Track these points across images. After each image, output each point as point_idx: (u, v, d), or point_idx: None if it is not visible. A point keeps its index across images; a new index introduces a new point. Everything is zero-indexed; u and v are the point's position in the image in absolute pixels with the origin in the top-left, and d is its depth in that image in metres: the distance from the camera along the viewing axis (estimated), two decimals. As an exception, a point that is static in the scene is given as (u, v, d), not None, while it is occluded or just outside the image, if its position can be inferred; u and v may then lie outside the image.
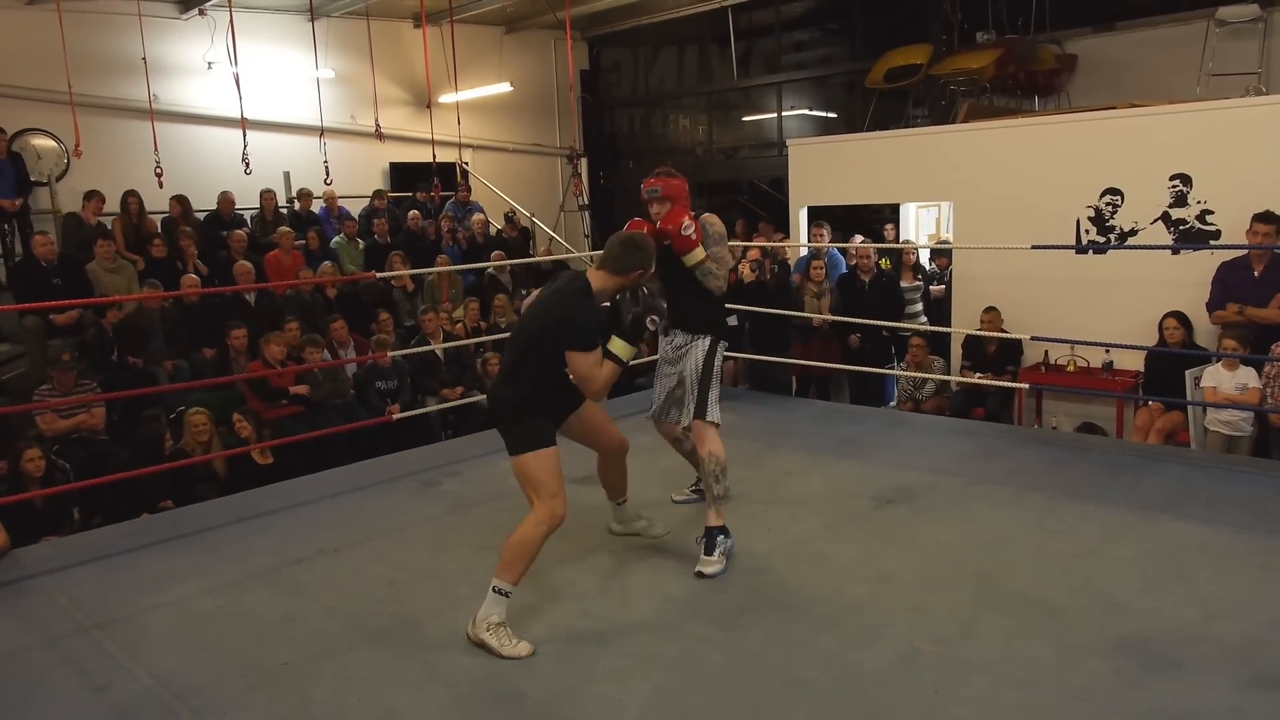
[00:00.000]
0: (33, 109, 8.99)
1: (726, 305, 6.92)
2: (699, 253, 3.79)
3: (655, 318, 3.22)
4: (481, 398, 7.16)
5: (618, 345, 3.13)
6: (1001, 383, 6.33)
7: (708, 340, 3.89)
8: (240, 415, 6.12)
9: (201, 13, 9.86)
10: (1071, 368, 6.48)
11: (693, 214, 3.85)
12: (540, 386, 3.19)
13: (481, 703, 2.77)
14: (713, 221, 3.92)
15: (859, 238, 9.34)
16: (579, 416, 3.43)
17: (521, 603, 3.37)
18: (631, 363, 3.23)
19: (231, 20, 7.85)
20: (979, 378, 6.60)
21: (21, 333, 7.18)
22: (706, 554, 3.64)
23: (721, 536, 3.67)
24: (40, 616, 3.44)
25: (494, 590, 3.01)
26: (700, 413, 3.81)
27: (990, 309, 6.76)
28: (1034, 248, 5.60)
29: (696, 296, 3.89)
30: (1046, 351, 6.63)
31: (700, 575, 3.58)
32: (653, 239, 3.81)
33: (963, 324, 7.06)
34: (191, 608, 3.47)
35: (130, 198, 8.37)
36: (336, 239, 9.27)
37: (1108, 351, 6.29)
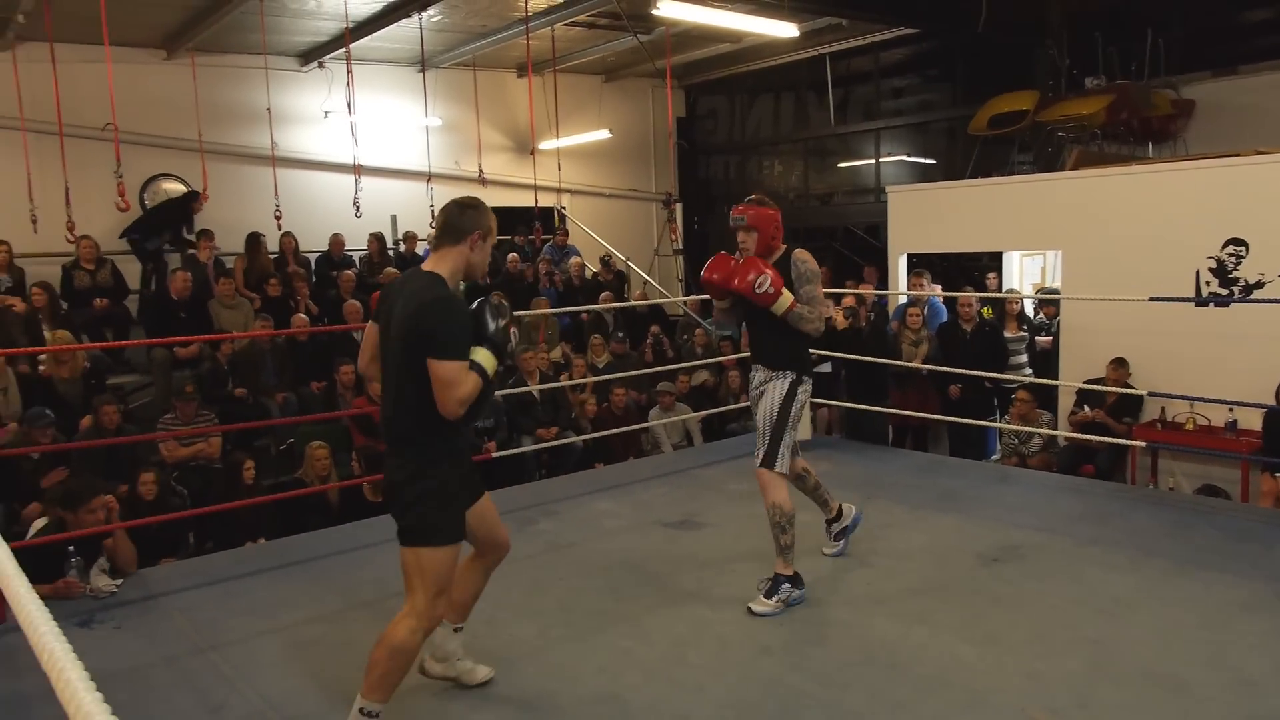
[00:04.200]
0: (166, 155, 9.62)
1: (820, 352, 6.92)
2: (784, 300, 3.59)
3: (514, 329, 2.81)
4: (577, 439, 7.25)
5: (482, 355, 2.62)
6: (1116, 440, 6.06)
7: (788, 381, 3.73)
8: (356, 454, 6.34)
9: (320, 65, 10.43)
10: (1191, 425, 6.17)
11: (770, 263, 3.64)
12: (441, 435, 2.65)
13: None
14: (804, 258, 3.71)
15: (937, 287, 9.10)
16: (476, 506, 2.87)
17: (620, 646, 3.37)
18: (493, 376, 2.69)
19: (350, 72, 8.26)
20: (1091, 411, 6.35)
21: (150, 364, 7.60)
22: (765, 596, 3.64)
23: (787, 585, 3.66)
24: (161, 636, 3.60)
25: (361, 712, 2.60)
26: (769, 462, 3.69)
27: (1118, 363, 6.45)
28: (1152, 299, 5.38)
29: (777, 333, 3.72)
30: (1163, 408, 6.34)
31: (749, 611, 3.59)
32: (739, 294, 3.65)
33: (1071, 377, 6.81)
34: (299, 634, 3.58)
35: (257, 239, 8.83)
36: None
37: (1231, 410, 5.98)
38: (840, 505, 4.30)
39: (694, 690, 3.05)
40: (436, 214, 2.73)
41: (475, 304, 2.70)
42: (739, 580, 3.96)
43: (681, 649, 3.36)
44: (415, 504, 2.64)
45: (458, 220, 2.70)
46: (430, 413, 2.58)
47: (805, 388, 3.77)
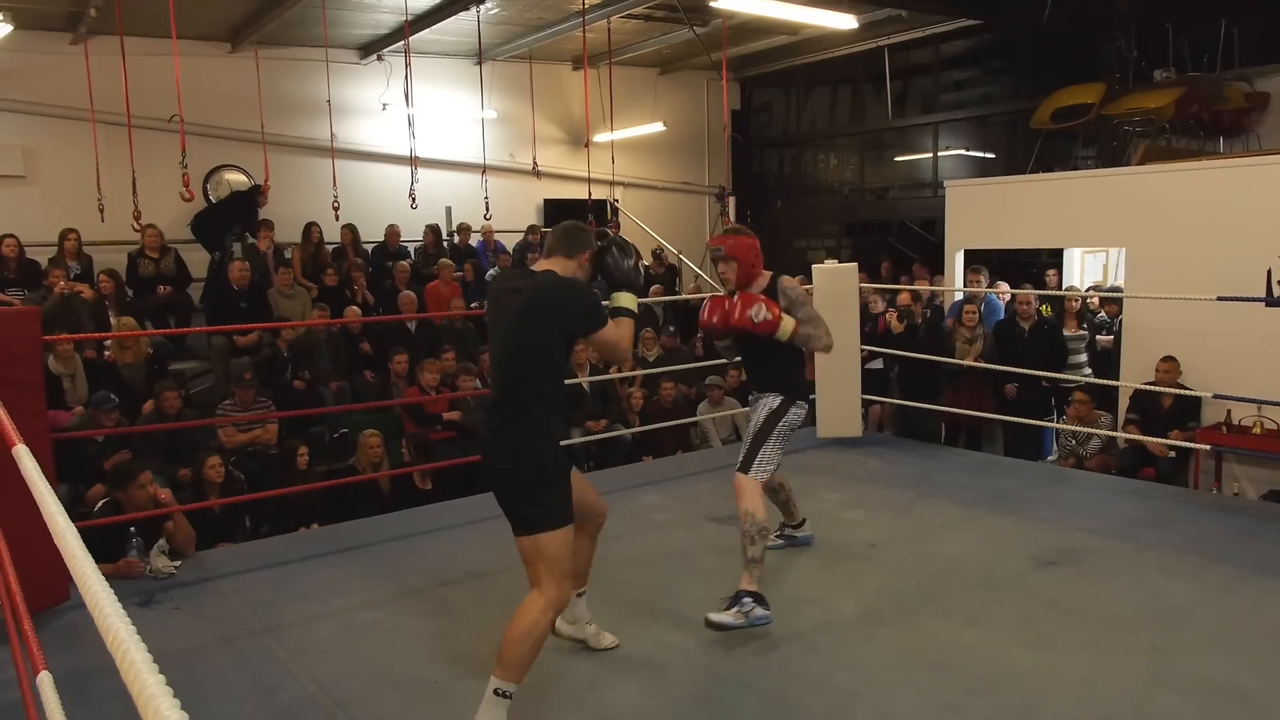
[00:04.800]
0: (229, 147, 9.82)
1: (870, 349, 6.82)
2: (787, 326, 3.57)
3: (641, 261, 3.03)
4: (626, 432, 7.26)
5: (625, 298, 2.91)
6: (1179, 442, 5.88)
7: (779, 399, 3.66)
8: (406, 442, 6.43)
9: (379, 58, 10.57)
10: (1258, 429, 5.96)
11: (762, 293, 3.62)
12: (555, 417, 2.81)
13: (624, 739, 2.77)
14: (790, 285, 3.69)
15: (1003, 285, 8.93)
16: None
17: (666, 640, 3.37)
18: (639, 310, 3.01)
19: (408, 65, 8.35)
20: (1168, 437, 6.15)
21: (210, 351, 7.79)
22: (726, 608, 3.35)
23: (750, 600, 3.35)
24: (217, 617, 3.69)
25: (495, 693, 2.63)
26: (745, 466, 3.58)
27: (1168, 359, 6.29)
28: (1220, 299, 5.22)
29: (771, 357, 3.71)
30: (1229, 411, 6.14)
31: (707, 622, 3.30)
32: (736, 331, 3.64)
33: (1132, 377, 6.63)
34: (352, 619, 3.64)
35: (313, 229, 8.99)
36: (491, 271, 9.63)
37: (1302, 414, 5.76)
38: (804, 519, 4.36)
39: (739, 687, 3.04)
40: (553, 229, 2.97)
41: (598, 250, 2.92)
42: (787, 577, 3.94)
43: (728, 644, 3.34)
44: (525, 492, 2.72)
45: (576, 236, 2.91)
46: (540, 400, 2.73)
47: (798, 410, 3.68)
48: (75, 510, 5.32)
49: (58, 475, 4.74)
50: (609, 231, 3.04)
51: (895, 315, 7.23)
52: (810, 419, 7.08)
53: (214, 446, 6.21)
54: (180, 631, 3.56)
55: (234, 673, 3.21)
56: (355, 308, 8.24)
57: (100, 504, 4.41)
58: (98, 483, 5.53)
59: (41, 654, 1.47)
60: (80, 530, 4.25)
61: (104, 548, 4.05)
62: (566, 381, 7.32)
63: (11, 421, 2.31)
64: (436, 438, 6.84)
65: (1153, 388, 6.26)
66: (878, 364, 7.51)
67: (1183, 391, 6.14)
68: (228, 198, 9.48)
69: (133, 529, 4.10)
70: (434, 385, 6.97)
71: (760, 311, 3.55)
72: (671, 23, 10.24)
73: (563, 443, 2.91)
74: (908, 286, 8.41)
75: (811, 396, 3.81)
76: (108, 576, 3.65)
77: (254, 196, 9.08)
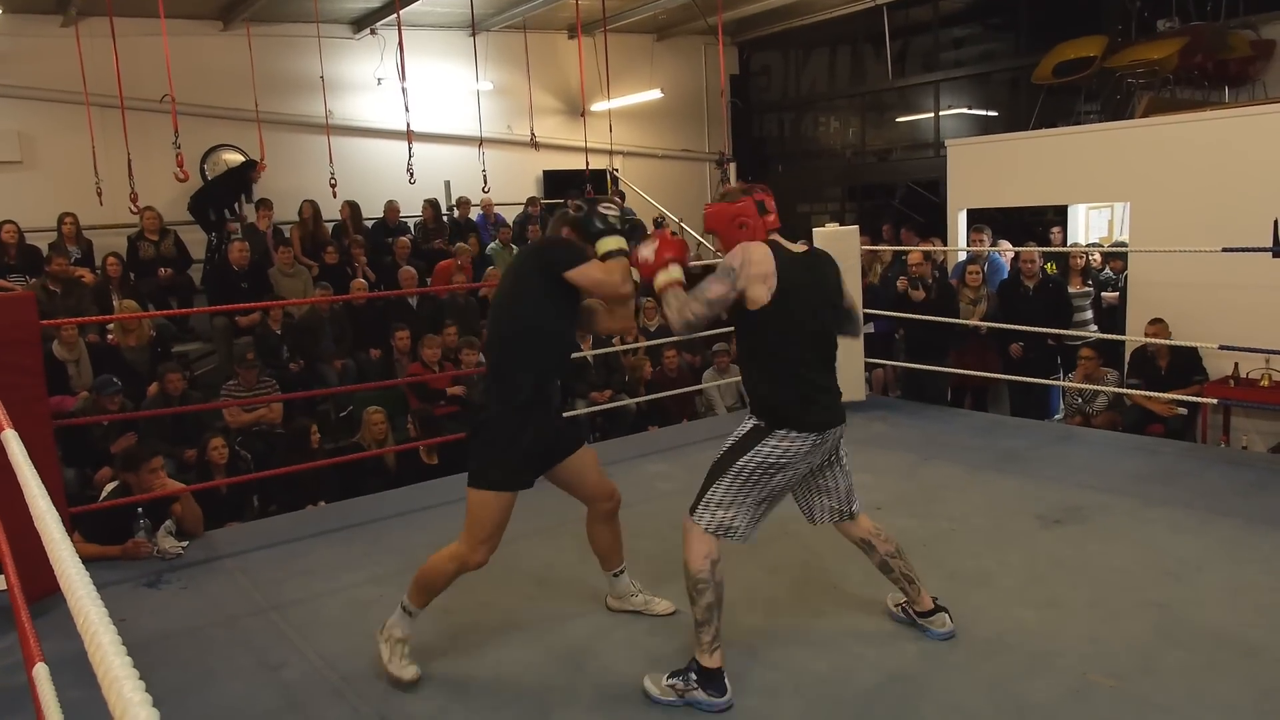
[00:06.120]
0: (225, 126, 9.76)
1: (869, 311, 6.72)
2: (663, 276, 2.80)
3: (609, 205, 2.87)
4: (630, 402, 7.26)
5: (605, 242, 2.81)
6: (1186, 397, 5.85)
7: (751, 424, 2.79)
8: (411, 417, 6.43)
9: (373, 32, 10.46)
10: (1266, 382, 5.93)
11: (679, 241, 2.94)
12: (521, 378, 2.84)
13: (630, 706, 2.78)
14: (735, 253, 2.72)
15: (1005, 243, 8.84)
16: (567, 462, 3.05)
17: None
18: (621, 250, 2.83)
19: (400, 39, 8.26)
20: (1171, 392, 6.11)
21: (212, 332, 7.79)
22: (667, 675, 2.79)
23: (695, 677, 2.72)
24: (225, 596, 3.71)
25: (402, 607, 2.93)
26: (692, 507, 2.81)
27: (1155, 321, 6.24)
28: (1225, 250, 5.16)
29: (747, 370, 2.88)
30: (1237, 364, 6.10)
31: (642, 687, 2.83)
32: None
33: (1138, 333, 6.59)
34: (357, 595, 3.66)
35: (306, 207, 8.95)
36: (492, 245, 9.60)
37: (1310, 365, 5.73)
38: (935, 602, 3.10)
39: (744, 653, 3.04)
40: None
41: (576, 220, 2.91)
42: (791, 545, 3.93)
43: (732, 611, 3.33)
44: (474, 446, 2.89)
45: (554, 221, 2.98)
46: (503, 368, 2.88)
47: (777, 444, 2.70)
48: (84, 494, 5.35)
49: (65, 459, 4.77)
50: (581, 197, 2.98)
51: (906, 282, 7.07)
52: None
53: (219, 427, 6.23)
54: (187, 610, 3.58)
55: (240, 650, 3.23)
56: (362, 281, 8.23)
57: (110, 487, 4.42)
58: (105, 465, 5.55)
59: (38, 644, 1.46)
60: (87, 513, 4.25)
61: (113, 530, 4.07)
62: (572, 355, 7.25)
63: (7, 407, 2.30)
64: (441, 412, 6.85)
65: (1159, 341, 6.21)
66: (870, 328, 7.43)
67: (1175, 343, 6.09)
68: (222, 174, 9.43)
69: (139, 510, 4.11)
70: (436, 360, 6.97)
71: (647, 247, 2.86)
72: (667, -14, 10.11)
73: (571, 414, 2.96)
74: (890, 247, 8.30)
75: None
76: (115, 558, 3.67)
77: (248, 172, 9.02)
